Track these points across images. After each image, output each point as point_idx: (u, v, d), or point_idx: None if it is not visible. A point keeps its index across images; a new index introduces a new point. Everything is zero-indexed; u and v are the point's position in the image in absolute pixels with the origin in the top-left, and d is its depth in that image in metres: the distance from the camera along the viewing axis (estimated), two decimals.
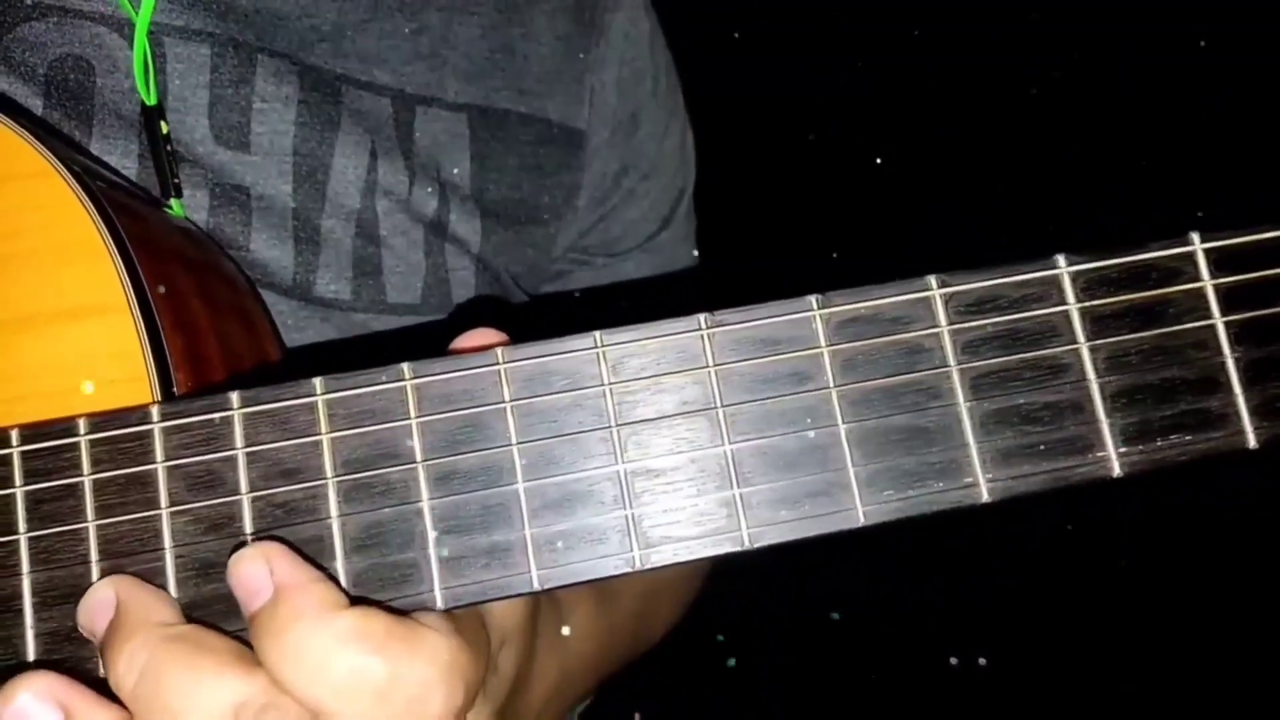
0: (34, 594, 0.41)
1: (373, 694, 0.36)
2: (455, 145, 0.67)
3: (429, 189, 0.65)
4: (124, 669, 0.37)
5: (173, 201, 0.56)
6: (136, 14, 0.55)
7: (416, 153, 0.65)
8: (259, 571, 0.38)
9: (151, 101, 0.56)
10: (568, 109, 0.72)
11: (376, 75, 0.64)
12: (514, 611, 0.47)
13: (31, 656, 0.40)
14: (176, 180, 0.56)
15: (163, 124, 0.56)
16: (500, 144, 0.68)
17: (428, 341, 0.44)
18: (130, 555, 0.41)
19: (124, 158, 0.56)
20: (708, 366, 0.42)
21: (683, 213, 0.83)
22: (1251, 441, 0.41)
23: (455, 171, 0.66)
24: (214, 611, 0.40)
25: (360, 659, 0.36)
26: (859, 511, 0.41)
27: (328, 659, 0.36)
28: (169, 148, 0.56)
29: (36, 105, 0.55)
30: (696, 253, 0.84)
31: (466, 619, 0.41)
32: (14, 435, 0.41)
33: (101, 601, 0.39)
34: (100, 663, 0.40)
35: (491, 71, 0.68)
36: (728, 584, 0.79)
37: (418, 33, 0.65)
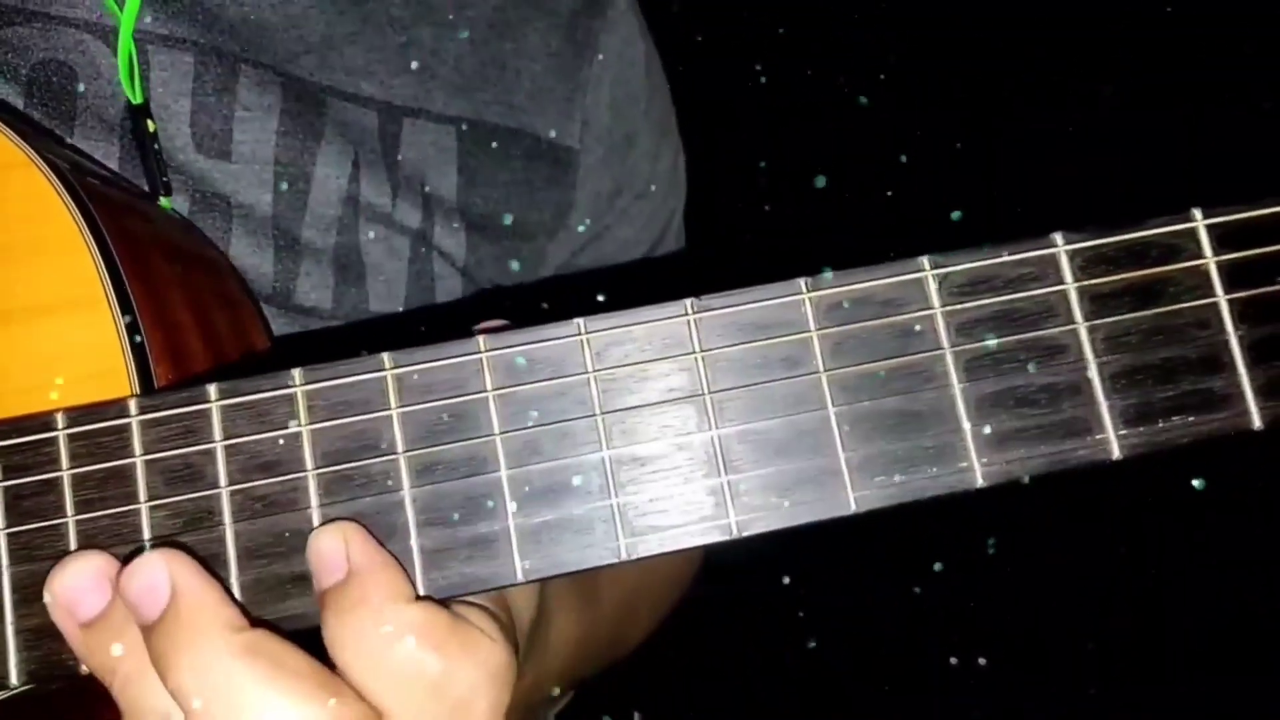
0: (14, 590, 0.40)
1: (425, 689, 0.37)
2: (442, 158, 0.66)
3: (413, 202, 0.65)
4: (191, 681, 0.36)
5: (162, 200, 0.56)
6: (121, 12, 0.55)
7: (402, 165, 0.64)
8: (336, 549, 0.38)
9: (137, 100, 0.56)
10: (558, 126, 0.71)
11: (363, 87, 0.63)
12: (529, 610, 0.46)
13: (12, 652, 0.40)
14: (165, 179, 0.56)
15: (149, 122, 0.56)
16: (488, 158, 0.68)
17: (410, 333, 0.44)
18: (110, 550, 0.40)
19: (104, 159, 0.56)
20: (695, 352, 0.41)
21: (673, 232, 0.83)
22: (1256, 422, 0.40)
23: (442, 185, 0.66)
24: None
25: (419, 653, 0.37)
26: (850, 498, 0.40)
27: (389, 647, 0.37)
28: (156, 145, 0.56)
29: (17, 106, 0.55)
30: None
31: (505, 622, 0.41)
32: None
33: (152, 585, 0.37)
34: (88, 657, 0.39)
35: (481, 85, 0.68)
36: (726, 584, 0.78)
37: (407, 46, 0.65)
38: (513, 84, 0.69)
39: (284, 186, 0.60)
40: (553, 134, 0.71)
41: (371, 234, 0.63)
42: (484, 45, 0.68)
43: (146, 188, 0.56)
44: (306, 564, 0.39)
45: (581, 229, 0.74)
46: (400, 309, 0.64)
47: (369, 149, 0.63)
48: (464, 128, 0.67)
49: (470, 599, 0.41)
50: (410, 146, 0.65)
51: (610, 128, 0.74)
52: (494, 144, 0.68)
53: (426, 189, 0.66)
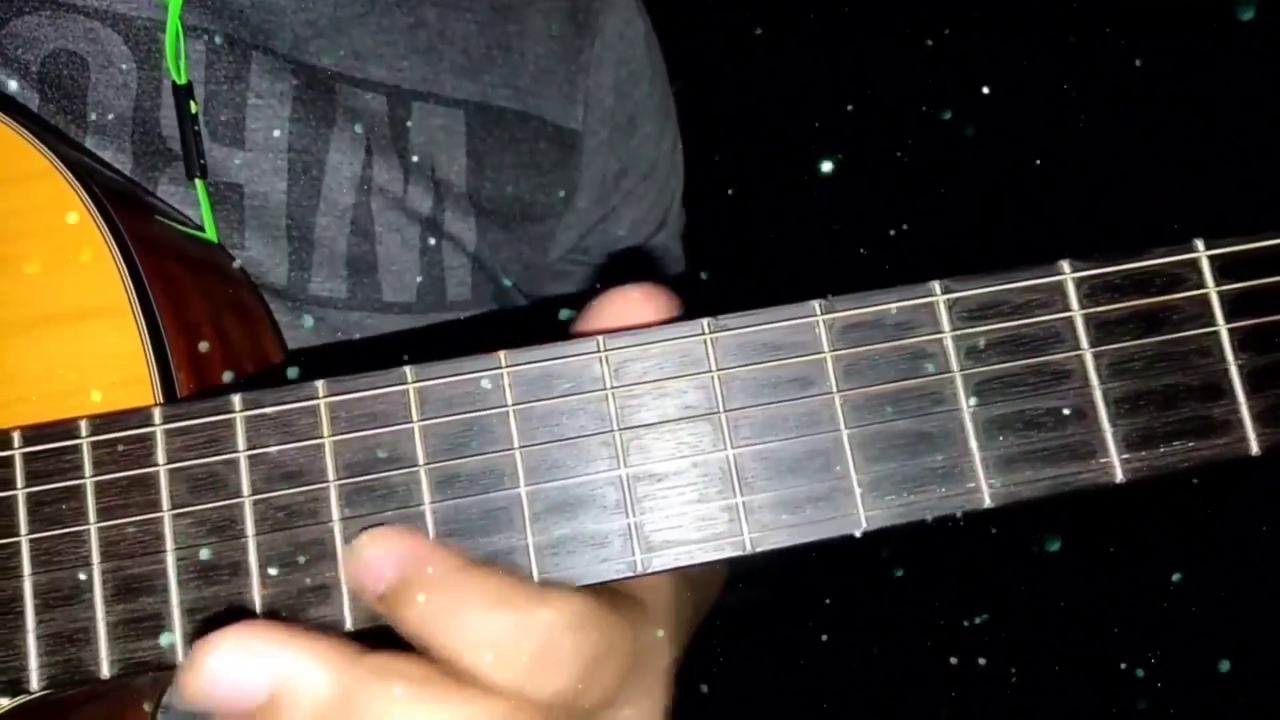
0: (35, 596, 0.41)
1: (498, 648, 0.35)
2: (451, 142, 0.66)
3: (424, 187, 0.65)
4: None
5: (198, 182, 0.56)
6: None
7: (411, 150, 0.65)
8: (386, 555, 0.38)
9: (182, 81, 0.56)
10: (562, 109, 0.72)
11: (372, 71, 0.63)
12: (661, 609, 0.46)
13: (33, 658, 0.40)
14: (203, 160, 0.56)
15: (192, 103, 0.56)
16: (497, 141, 0.68)
17: (434, 342, 0.44)
18: (132, 557, 0.40)
19: (119, 153, 0.56)
20: (710, 371, 0.41)
21: (675, 212, 0.84)
22: (1254, 448, 0.41)
23: (451, 169, 0.66)
24: (216, 615, 0.40)
25: (485, 613, 0.36)
26: (861, 516, 0.41)
27: (461, 617, 0.36)
28: (196, 128, 0.56)
29: (32, 100, 0.55)
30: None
31: (611, 595, 0.40)
32: (16, 437, 0.41)
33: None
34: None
35: (488, 67, 0.68)
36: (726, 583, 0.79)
37: (414, 27, 0.65)
38: (517, 66, 0.69)
39: (298, 173, 0.60)
40: (556, 116, 0.72)
41: (384, 222, 0.63)
42: (489, 27, 0.68)
43: (183, 170, 0.56)
44: (326, 574, 0.40)
45: (587, 210, 0.75)
46: (413, 299, 0.64)
47: (380, 135, 0.63)
48: (472, 111, 0.67)
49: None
50: (419, 131, 0.65)
51: (614, 109, 0.75)
52: (502, 127, 0.69)
53: (436, 174, 0.66)
